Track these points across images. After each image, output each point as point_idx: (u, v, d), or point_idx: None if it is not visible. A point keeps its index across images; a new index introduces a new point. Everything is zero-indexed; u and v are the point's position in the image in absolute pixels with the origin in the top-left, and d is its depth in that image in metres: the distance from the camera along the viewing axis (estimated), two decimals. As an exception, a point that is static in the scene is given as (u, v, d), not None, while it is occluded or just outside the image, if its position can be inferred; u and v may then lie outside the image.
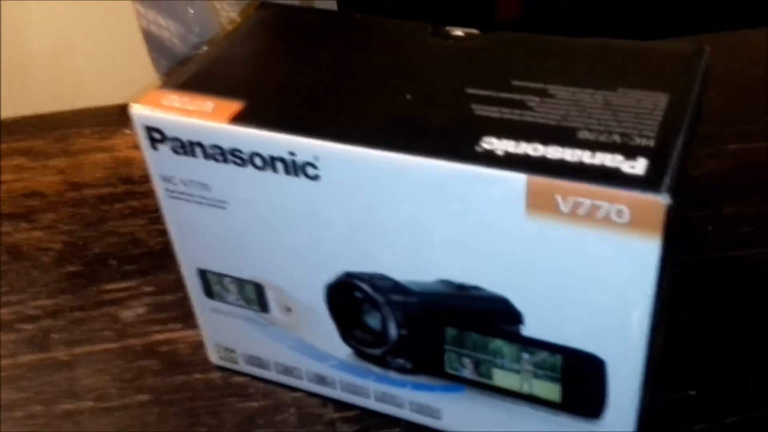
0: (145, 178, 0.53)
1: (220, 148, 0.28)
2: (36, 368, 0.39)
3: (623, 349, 0.26)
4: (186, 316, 0.40)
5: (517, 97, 0.27)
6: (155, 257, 0.45)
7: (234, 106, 0.28)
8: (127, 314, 0.42)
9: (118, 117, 0.60)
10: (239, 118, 0.28)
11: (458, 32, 0.31)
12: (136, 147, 0.57)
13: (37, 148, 0.57)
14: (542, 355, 0.28)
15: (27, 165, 0.56)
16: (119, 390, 0.37)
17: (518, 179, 0.24)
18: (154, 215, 0.49)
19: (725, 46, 0.58)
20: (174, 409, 0.36)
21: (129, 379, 0.38)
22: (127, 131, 0.59)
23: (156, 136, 0.30)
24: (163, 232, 0.48)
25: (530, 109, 0.26)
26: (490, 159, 0.24)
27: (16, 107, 0.61)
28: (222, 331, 0.36)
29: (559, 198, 0.23)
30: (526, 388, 0.29)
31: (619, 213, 0.23)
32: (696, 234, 0.43)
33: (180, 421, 0.35)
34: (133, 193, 0.51)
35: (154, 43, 0.58)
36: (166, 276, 0.44)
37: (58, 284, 0.44)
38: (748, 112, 0.52)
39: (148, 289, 0.43)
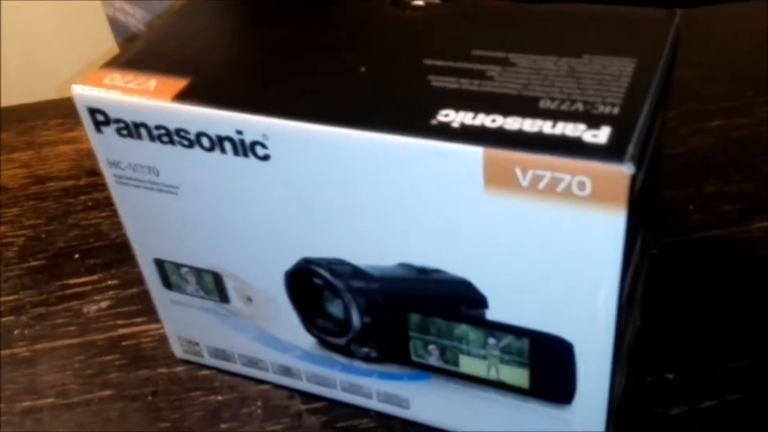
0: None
1: (165, 128, 0.27)
2: (-5, 366, 0.37)
3: (591, 331, 0.25)
4: (150, 310, 0.39)
5: (476, 67, 0.25)
6: (119, 250, 0.44)
7: (178, 83, 0.27)
8: (90, 309, 0.40)
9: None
10: (183, 96, 0.26)
11: (418, 2, 0.30)
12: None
13: (1, 140, 0.56)
14: (508, 340, 0.27)
15: (-9, 158, 0.54)
16: (81, 386, 0.36)
17: (474, 152, 0.22)
18: (119, 207, 0.48)
19: (707, 20, 0.56)
20: (137, 404, 0.35)
21: (91, 375, 0.36)
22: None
23: (100, 117, 0.28)
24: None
25: (490, 79, 0.25)
26: (446, 132, 0.23)
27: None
28: (184, 324, 0.35)
29: (518, 171, 0.22)
30: (493, 375, 0.28)
31: (581, 185, 0.21)
32: (676, 213, 0.41)
33: (143, 416, 0.34)
34: (97, 185, 0.50)
35: (120, 30, 0.57)
36: (130, 269, 0.43)
37: (20, 279, 0.43)
38: (730, 88, 0.51)
39: (111, 282, 0.42)
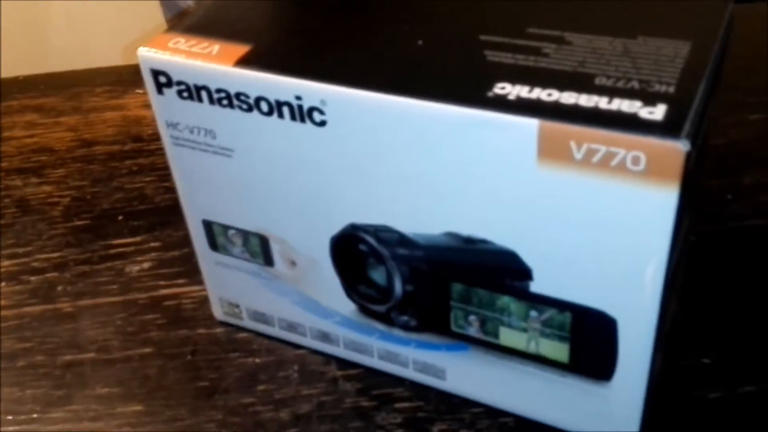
0: (155, 137, 0.53)
1: (225, 92, 0.28)
2: (39, 319, 0.39)
3: (636, 307, 0.25)
4: (192, 272, 0.40)
5: (532, 44, 0.26)
6: (163, 213, 0.45)
7: (240, 49, 0.28)
8: (132, 269, 0.41)
9: (130, 77, 0.60)
10: (245, 61, 0.27)
11: (474, -20, 0.30)
12: (147, 106, 0.57)
13: (49, 105, 0.57)
14: (550, 313, 0.27)
15: (38, 121, 0.55)
16: (122, 342, 0.37)
17: (530, 125, 0.23)
18: (162, 173, 0.49)
19: (749, 16, 0.56)
20: (176, 362, 0.36)
21: (132, 332, 0.38)
22: (139, 91, 0.59)
23: (162, 80, 0.29)
24: (171, 189, 0.48)
25: (546, 55, 0.25)
26: (502, 104, 0.23)
27: (29, 65, 0.61)
28: (227, 286, 0.36)
29: (572, 144, 0.22)
30: (533, 348, 0.29)
31: (635, 160, 0.22)
32: (715, 202, 0.41)
33: (181, 374, 0.35)
34: (143, 150, 0.51)
35: (168, 3, 0.57)
36: (173, 232, 0.44)
37: (64, 238, 0.44)
38: (772, 83, 0.51)
39: (154, 244, 0.43)
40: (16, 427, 0.33)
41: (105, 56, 0.61)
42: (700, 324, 0.35)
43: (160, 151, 0.51)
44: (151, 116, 0.55)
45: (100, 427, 0.33)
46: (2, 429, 0.33)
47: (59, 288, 0.40)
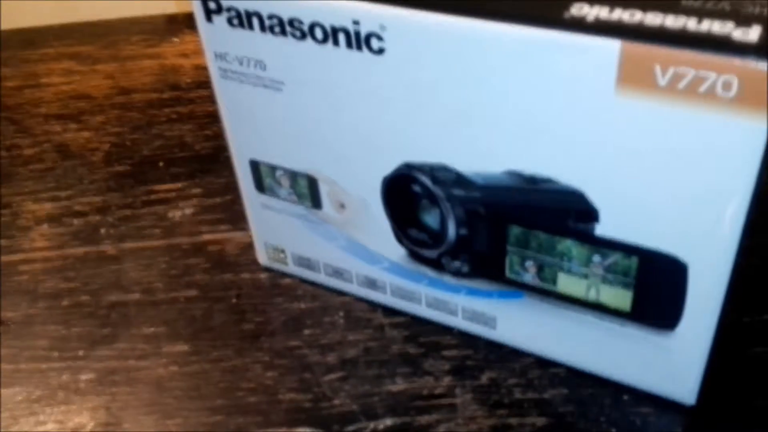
0: (193, 86, 0.52)
1: (278, 17, 0.26)
2: (83, 260, 0.38)
3: (711, 251, 0.24)
4: (234, 219, 0.40)
5: (608, -32, 0.24)
6: (203, 161, 0.45)
7: (295, -27, 0.26)
8: (174, 214, 0.41)
9: (165, 26, 0.59)
10: (300, -15, 0.26)
11: None
12: (184, 55, 0.56)
13: (85, 53, 0.57)
14: (615, 257, 0.26)
15: (75, 68, 0.55)
16: (166, 284, 0.37)
17: (611, 47, 0.21)
18: (202, 121, 0.48)
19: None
20: (221, 305, 0.35)
21: (176, 275, 0.37)
22: (175, 39, 0.58)
23: (212, 5, 0.28)
24: (212, 138, 0.47)
25: (624, -21, 0.23)
26: (579, 25, 0.22)
27: (63, 14, 0.60)
28: (272, 230, 0.35)
29: (657, 68, 0.21)
30: (592, 295, 0.28)
31: (726, 85, 0.20)
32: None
33: (227, 317, 0.35)
34: (181, 99, 0.50)
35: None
36: (214, 180, 0.43)
37: (105, 182, 0.44)
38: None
39: (196, 191, 0.42)
40: (62, 364, 0.33)
41: (138, 5, 0.60)
42: (762, 281, 0.33)
43: (199, 100, 0.50)
44: (189, 65, 0.55)
45: (147, 365, 0.33)
46: (49, 365, 0.33)
47: (102, 231, 0.40)
